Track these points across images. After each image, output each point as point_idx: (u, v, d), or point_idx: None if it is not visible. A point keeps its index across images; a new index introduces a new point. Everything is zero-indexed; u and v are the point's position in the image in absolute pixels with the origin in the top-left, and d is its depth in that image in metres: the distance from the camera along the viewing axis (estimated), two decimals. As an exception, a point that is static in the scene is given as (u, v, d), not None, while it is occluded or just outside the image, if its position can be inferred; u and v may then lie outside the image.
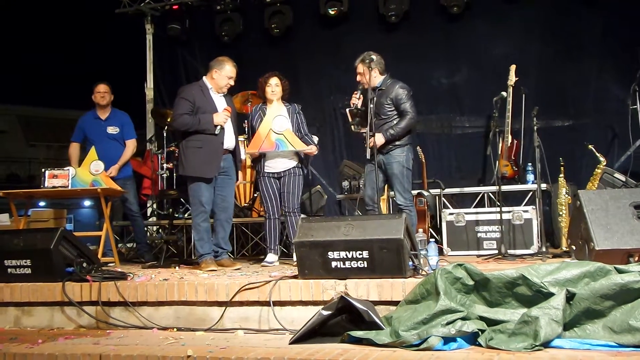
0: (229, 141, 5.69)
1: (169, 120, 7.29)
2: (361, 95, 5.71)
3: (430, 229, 6.75)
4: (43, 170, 6.15)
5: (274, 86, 5.88)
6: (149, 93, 9.68)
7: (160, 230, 8.30)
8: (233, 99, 7.94)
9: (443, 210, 6.71)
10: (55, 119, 23.81)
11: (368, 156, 5.58)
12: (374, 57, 5.63)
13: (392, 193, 6.05)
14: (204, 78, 5.75)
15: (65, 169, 6.13)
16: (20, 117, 24.35)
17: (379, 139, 5.54)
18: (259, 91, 6.04)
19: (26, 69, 19.73)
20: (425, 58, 8.37)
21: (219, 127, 5.54)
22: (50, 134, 24.26)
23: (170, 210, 7.98)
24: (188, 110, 5.53)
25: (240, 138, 7.01)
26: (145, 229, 8.01)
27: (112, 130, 6.73)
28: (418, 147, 7.40)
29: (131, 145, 6.81)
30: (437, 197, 7.10)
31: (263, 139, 5.78)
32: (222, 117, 5.57)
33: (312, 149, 5.84)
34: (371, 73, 5.62)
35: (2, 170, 23.81)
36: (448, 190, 7.17)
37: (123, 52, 10.74)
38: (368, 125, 5.39)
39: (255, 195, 7.64)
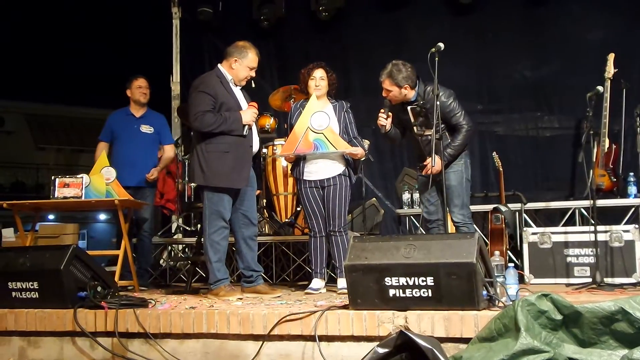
0: (255, 145, 5.73)
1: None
2: (390, 113, 5.70)
3: (508, 252, 6.69)
4: (53, 178, 6.23)
5: (318, 79, 5.92)
6: (175, 88, 9.82)
7: (186, 250, 8.41)
8: (273, 95, 8.09)
9: (524, 228, 6.63)
10: (68, 118, 24.20)
11: (422, 172, 5.66)
12: (402, 68, 5.58)
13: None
14: (220, 67, 5.70)
15: (78, 176, 6.22)
16: (29, 115, 24.49)
17: (438, 164, 5.48)
18: (301, 85, 6.09)
19: (35, 60, 20.18)
20: (504, 47, 8.35)
21: (246, 127, 5.55)
22: (62, 136, 24.65)
23: (199, 226, 8.08)
24: (210, 106, 5.49)
25: (282, 141, 7.07)
26: (170, 247, 8.14)
27: (146, 129, 6.94)
28: (494, 153, 7.35)
29: (170, 150, 7.07)
30: (517, 212, 7.04)
31: (299, 138, 5.80)
32: (250, 115, 5.58)
33: (358, 151, 5.85)
34: (401, 91, 5.62)
35: (6, 177, 24.05)
36: (531, 205, 7.10)
37: (146, 40, 10.92)
38: (434, 128, 5.36)
39: (298, 209, 7.68)
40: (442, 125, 5.49)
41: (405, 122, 5.77)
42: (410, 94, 5.66)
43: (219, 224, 5.52)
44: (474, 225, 5.96)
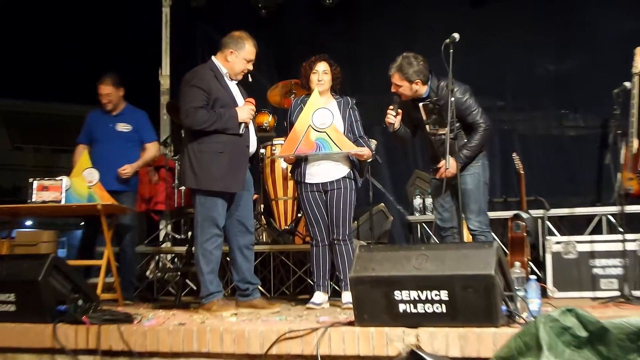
0: (252, 145, 5.73)
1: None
2: (399, 110, 5.69)
3: (530, 263, 6.69)
4: (31, 180, 6.23)
5: (321, 73, 5.91)
6: (164, 82, 9.83)
7: (175, 260, 8.40)
8: (272, 90, 8.09)
9: (547, 237, 6.64)
10: (48, 116, 24.21)
11: (436, 175, 5.64)
12: (413, 62, 5.58)
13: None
14: (214, 60, 5.71)
15: (58, 179, 6.21)
16: (5, 113, 24.49)
17: (452, 166, 5.45)
18: (302, 79, 6.08)
19: (10, 54, 20.13)
20: (525, 38, 8.36)
21: (242, 125, 5.54)
22: (40, 135, 24.65)
23: (190, 233, 8.06)
24: (203, 102, 5.49)
25: (281, 141, 7.07)
26: (158, 257, 8.13)
27: (122, 127, 6.92)
28: (514, 154, 7.33)
29: (153, 148, 7.05)
30: (539, 219, 7.05)
31: (300, 138, 5.80)
32: (247, 112, 5.58)
33: (364, 152, 5.83)
34: (412, 86, 5.62)
35: (-20, 179, 24.22)
36: (554, 211, 7.13)
37: (132, 30, 10.90)
38: (447, 126, 5.34)
39: (298, 215, 7.69)
40: (458, 124, 5.48)
41: (416, 120, 5.76)
42: (422, 89, 5.66)
43: (212, 232, 5.50)
44: (492, 234, 5.96)
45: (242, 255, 5.71)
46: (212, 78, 5.58)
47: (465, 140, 5.61)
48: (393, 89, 5.67)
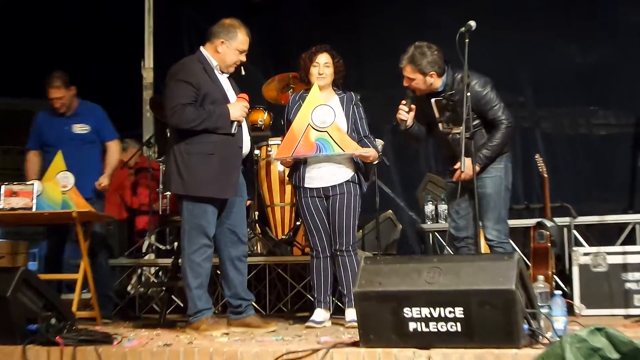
0: (245, 145, 5.71)
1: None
2: (412, 105, 5.68)
3: (555, 276, 6.69)
4: (-2, 184, 6.25)
5: (322, 66, 5.91)
6: (147, 75, 9.85)
7: (160, 274, 8.39)
8: (267, 85, 8.09)
9: (574, 248, 6.67)
10: (16, 113, 24.23)
11: (452, 178, 5.63)
12: (427, 52, 5.56)
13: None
14: (203, 50, 5.69)
15: (28, 183, 6.22)
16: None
17: (468, 168, 5.37)
18: (301, 73, 6.09)
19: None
20: (550, 27, 8.39)
21: (235, 123, 5.53)
22: (9, 134, 24.69)
23: (176, 244, 8.05)
24: (191, 98, 5.47)
25: (277, 141, 7.07)
26: (141, 271, 8.12)
27: (80, 129, 6.87)
28: (537, 155, 7.33)
29: (115, 147, 7.03)
30: (565, 228, 7.08)
31: (299, 138, 5.80)
32: (240, 109, 5.57)
33: (370, 153, 5.84)
34: (426, 79, 5.60)
35: (-60, 184, 24.23)
36: (582, 219, 7.15)
37: (111, 17, 10.88)
38: (463, 124, 5.31)
39: (297, 223, 7.70)
40: (477, 121, 5.48)
41: (431, 118, 5.76)
42: (438, 82, 5.65)
43: (201, 242, 5.49)
44: (512, 244, 5.95)
45: (234, 267, 5.69)
46: (201, 71, 5.57)
47: (486, 139, 5.58)
48: (405, 83, 5.66)
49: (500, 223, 5.66)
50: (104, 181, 6.79)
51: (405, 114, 5.65)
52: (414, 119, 5.72)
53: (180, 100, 5.45)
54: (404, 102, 5.66)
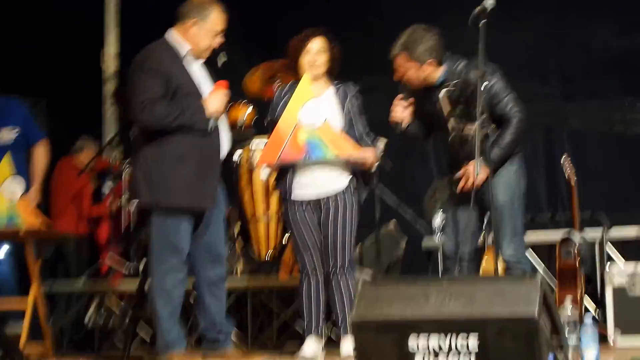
0: (224, 145, 5.71)
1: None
2: (410, 101, 5.70)
3: (584, 300, 6.71)
4: None
5: (315, 52, 5.86)
6: (109, 64, 9.85)
7: (123, 301, 8.35)
8: (251, 75, 8.10)
9: (607, 266, 6.66)
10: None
11: (458, 187, 5.58)
12: (423, 36, 5.56)
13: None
14: (173, 33, 5.69)
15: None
16: None
17: (481, 172, 5.31)
18: (290, 61, 6.04)
19: None
20: (579, 7, 8.34)
21: (211, 120, 5.53)
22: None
23: (143, 265, 7.99)
24: (161, 92, 5.45)
25: (261, 142, 7.08)
26: (101, 298, 8.07)
27: (7, 133, 6.83)
28: (565, 157, 7.35)
29: (44, 149, 6.96)
30: (597, 243, 7.09)
31: (286, 139, 5.76)
32: (219, 100, 5.57)
33: (367, 156, 5.83)
34: (422, 69, 5.59)
35: None
36: (617, 232, 7.16)
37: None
38: (477, 123, 5.23)
39: (285, 239, 7.66)
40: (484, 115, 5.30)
41: (431, 115, 5.73)
42: (436, 73, 5.63)
43: (173, 262, 5.49)
44: (533, 261, 5.96)
45: (211, 293, 5.69)
46: (170, 59, 5.56)
47: (495, 137, 5.48)
48: (397, 76, 5.66)
49: (517, 237, 5.62)
50: (35, 197, 6.73)
51: (401, 113, 5.69)
52: (412, 117, 5.75)
53: (148, 94, 5.42)
54: (399, 97, 5.69)
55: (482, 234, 6.33)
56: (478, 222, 5.80)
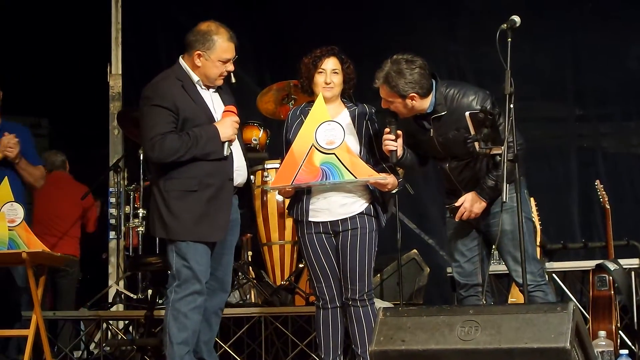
0: (240, 172, 5.75)
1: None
2: (399, 132, 5.67)
3: (620, 332, 6.68)
4: None
5: (329, 73, 5.85)
6: (114, 83, 9.87)
7: (130, 329, 8.35)
8: (263, 95, 8.09)
9: (646, 297, 6.64)
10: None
11: (456, 216, 5.63)
12: (405, 69, 5.52)
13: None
14: (182, 63, 5.70)
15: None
16: None
17: (477, 205, 5.54)
18: (303, 81, 6.03)
19: None
20: (612, 22, 8.40)
21: (227, 144, 5.56)
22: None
23: (150, 292, 8.02)
24: (170, 126, 5.48)
25: (276, 165, 7.06)
26: (106, 325, 8.10)
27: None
28: (598, 182, 7.31)
29: (40, 175, 6.99)
30: (633, 272, 7.07)
31: (300, 162, 5.75)
32: (229, 125, 5.58)
33: (387, 179, 5.77)
34: (406, 103, 5.56)
35: None
36: (655, 262, 7.13)
37: (74, 14, 10.93)
38: (505, 142, 5.25)
39: (300, 266, 7.73)
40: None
41: (423, 144, 5.76)
42: (423, 104, 5.61)
43: (192, 288, 5.49)
44: (567, 292, 5.92)
45: (207, 321, 5.73)
46: (179, 90, 5.58)
47: (491, 167, 5.54)
48: (384, 105, 5.66)
49: (533, 262, 5.61)
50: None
51: (393, 143, 5.64)
52: (404, 147, 5.72)
53: (158, 129, 5.46)
54: (387, 129, 5.66)
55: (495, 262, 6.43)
56: (485, 247, 5.84)
